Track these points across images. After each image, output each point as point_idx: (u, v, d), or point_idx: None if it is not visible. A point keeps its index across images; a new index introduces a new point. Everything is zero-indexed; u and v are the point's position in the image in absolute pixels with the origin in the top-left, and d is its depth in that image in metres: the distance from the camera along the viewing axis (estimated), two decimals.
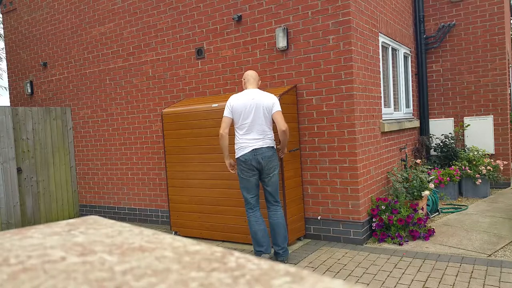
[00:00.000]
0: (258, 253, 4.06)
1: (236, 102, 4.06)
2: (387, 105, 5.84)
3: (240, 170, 4.08)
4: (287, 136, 4.06)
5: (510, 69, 8.41)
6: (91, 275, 0.42)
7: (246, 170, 4.05)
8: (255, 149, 4.00)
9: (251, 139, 4.02)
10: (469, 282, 3.39)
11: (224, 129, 4.06)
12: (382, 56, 5.64)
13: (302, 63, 4.79)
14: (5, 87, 20.67)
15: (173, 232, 5.31)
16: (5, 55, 8.65)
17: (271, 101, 4.03)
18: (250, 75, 4.25)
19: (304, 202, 4.90)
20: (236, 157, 4.09)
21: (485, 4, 6.81)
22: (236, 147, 4.11)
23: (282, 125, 3.99)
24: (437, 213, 5.64)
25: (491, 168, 6.37)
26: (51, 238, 0.56)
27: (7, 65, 8.23)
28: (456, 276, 3.54)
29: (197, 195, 5.09)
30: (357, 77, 4.61)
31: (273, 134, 4.12)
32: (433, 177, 5.51)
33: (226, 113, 4.10)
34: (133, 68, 6.29)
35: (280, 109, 4.05)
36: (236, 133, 4.10)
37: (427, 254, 4.11)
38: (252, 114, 3.99)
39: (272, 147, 4.08)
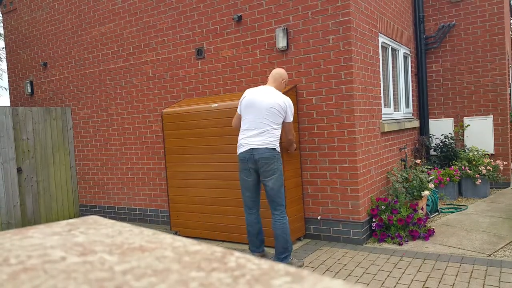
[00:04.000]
0: (250, 251, 4.10)
1: (247, 96, 3.98)
2: (387, 105, 5.84)
3: (239, 167, 4.00)
4: (293, 143, 4.12)
5: (510, 69, 8.41)
6: (91, 275, 0.42)
7: (242, 169, 3.93)
8: (253, 148, 3.82)
9: (250, 136, 3.86)
10: (469, 282, 3.39)
11: (233, 122, 4.14)
12: (382, 56, 5.64)
13: (302, 63, 4.79)
14: (5, 87, 20.67)
15: (174, 232, 5.31)
16: (5, 55, 8.64)
17: (284, 104, 3.85)
18: (272, 73, 4.10)
19: (304, 202, 4.90)
20: (237, 154, 4.01)
21: (485, 4, 6.81)
22: (238, 143, 4.01)
23: (290, 134, 4.00)
24: (437, 213, 5.64)
25: (491, 168, 6.37)
26: (51, 238, 0.56)
27: (7, 65, 8.22)
28: (456, 276, 3.54)
29: (197, 195, 5.09)
30: (357, 77, 4.61)
31: (278, 137, 3.89)
32: (433, 177, 5.51)
33: (238, 109, 4.07)
34: (133, 68, 6.29)
35: (292, 120, 3.96)
36: (241, 127, 4.01)
37: (427, 254, 4.11)
38: (256, 110, 3.85)
39: (273, 149, 3.83)
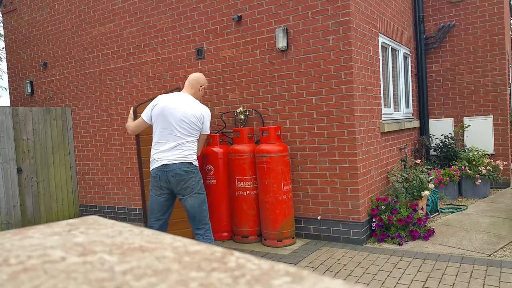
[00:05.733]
0: None
1: (159, 103, 3.53)
2: (387, 105, 5.84)
3: (150, 184, 3.57)
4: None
5: (510, 69, 8.41)
6: (91, 275, 0.42)
7: (153, 186, 3.51)
8: (166, 164, 3.41)
9: (163, 150, 3.45)
10: (469, 282, 3.39)
11: (131, 127, 3.65)
12: (382, 56, 5.64)
13: (302, 63, 4.79)
14: (5, 87, 20.66)
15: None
16: (5, 55, 8.65)
17: (201, 115, 3.52)
18: (188, 79, 3.71)
19: (303, 203, 4.89)
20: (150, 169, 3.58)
21: (485, 4, 6.81)
22: (150, 157, 3.58)
23: (199, 150, 3.62)
24: (437, 213, 5.64)
25: (491, 168, 6.37)
26: (51, 238, 0.56)
27: (7, 65, 8.22)
28: (456, 276, 3.54)
29: None
30: (357, 77, 4.61)
31: (194, 150, 3.54)
32: (432, 177, 5.51)
33: (145, 115, 3.58)
34: (133, 69, 6.29)
35: (209, 133, 3.62)
36: (152, 140, 3.59)
37: (427, 254, 4.11)
38: (169, 120, 3.45)
39: (190, 163, 3.45)
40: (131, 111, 3.87)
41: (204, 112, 3.54)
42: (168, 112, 3.46)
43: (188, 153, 3.46)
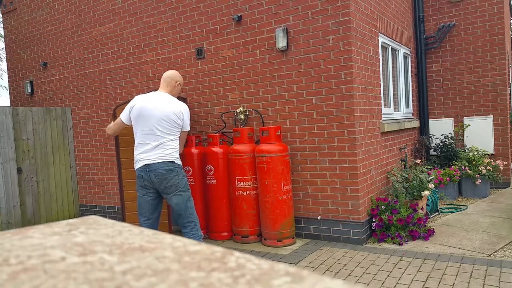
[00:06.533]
0: None
1: (136, 104, 3.54)
2: (387, 105, 5.84)
3: (136, 184, 3.61)
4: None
5: (510, 69, 8.41)
6: (91, 275, 0.42)
7: (139, 186, 3.55)
8: (148, 164, 3.43)
9: (145, 151, 3.46)
10: (469, 282, 3.39)
11: (110, 129, 3.67)
12: (382, 56, 5.64)
13: (302, 63, 4.79)
14: (5, 87, 20.66)
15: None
16: (5, 55, 8.65)
17: (180, 112, 3.50)
18: (163, 77, 3.68)
19: (303, 202, 4.89)
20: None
21: (485, 4, 6.81)
22: (134, 158, 3.60)
23: (181, 148, 3.59)
24: (437, 213, 5.64)
25: (491, 168, 6.37)
26: (51, 238, 0.56)
27: (7, 65, 8.23)
28: (456, 276, 3.54)
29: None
30: (357, 77, 4.61)
31: (176, 148, 3.54)
32: (432, 177, 5.51)
33: (123, 116, 3.59)
34: (133, 68, 6.29)
35: (189, 129, 3.61)
36: (134, 141, 3.59)
37: (427, 254, 4.11)
38: (148, 120, 3.45)
39: (171, 162, 3.45)
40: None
41: (182, 109, 3.53)
42: (146, 113, 3.46)
43: (169, 152, 3.46)
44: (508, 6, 8.34)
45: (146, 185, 3.48)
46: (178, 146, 3.57)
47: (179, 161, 3.55)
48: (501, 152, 6.88)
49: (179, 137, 3.58)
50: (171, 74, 3.68)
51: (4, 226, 6.25)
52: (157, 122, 3.43)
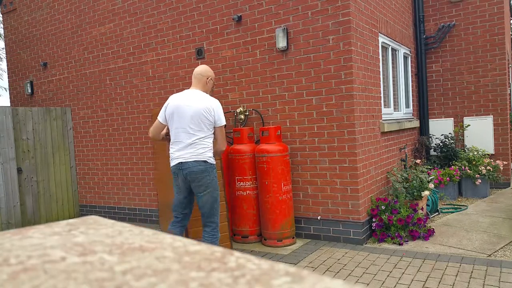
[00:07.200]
0: None
1: (170, 102, 3.56)
2: (387, 105, 5.84)
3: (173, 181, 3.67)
4: (221, 156, 3.64)
5: (510, 69, 8.41)
6: (91, 275, 0.42)
7: (174, 183, 3.61)
8: (181, 162, 3.46)
9: (179, 149, 3.48)
10: (469, 282, 3.39)
11: (150, 131, 3.68)
12: (382, 56, 5.64)
13: (302, 63, 4.79)
14: (5, 87, 20.66)
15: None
16: (5, 55, 8.65)
17: (210, 108, 3.46)
18: (194, 73, 3.64)
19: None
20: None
21: (485, 4, 6.81)
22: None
23: (222, 145, 3.53)
24: (437, 213, 5.64)
25: (491, 168, 6.37)
26: (51, 238, 0.56)
27: (7, 65, 8.23)
28: (456, 276, 3.54)
29: None
30: (357, 77, 4.61)
31: (210, 147, 3.52)
32: (432, 177, 5.51)
33: (160, 116, 3.62)
34: (133, 68, 6.29)
35: (224, 123, 3.54)
36: (170, 138, 3.62)
37: (427, 254, 4.11)
38: (181, 118, 3.45)
39: (204, 161, 3.45)
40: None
41: (213, 105, 3.49)
42: (179, 110, 3.48)
43: (202, 151, 3.46)
44: (508, 6, 8.34)
45: (180, 182, 3.54)
46: (212, 145, 3.54)
47: (212, 160, 3.52)
48: (501, 152, 6.88)
49: (213, 134, 3.56)
50: (200, 71, 3.64)
51: (4, 226, 6.25)
52: (189, 120, 3.44)
